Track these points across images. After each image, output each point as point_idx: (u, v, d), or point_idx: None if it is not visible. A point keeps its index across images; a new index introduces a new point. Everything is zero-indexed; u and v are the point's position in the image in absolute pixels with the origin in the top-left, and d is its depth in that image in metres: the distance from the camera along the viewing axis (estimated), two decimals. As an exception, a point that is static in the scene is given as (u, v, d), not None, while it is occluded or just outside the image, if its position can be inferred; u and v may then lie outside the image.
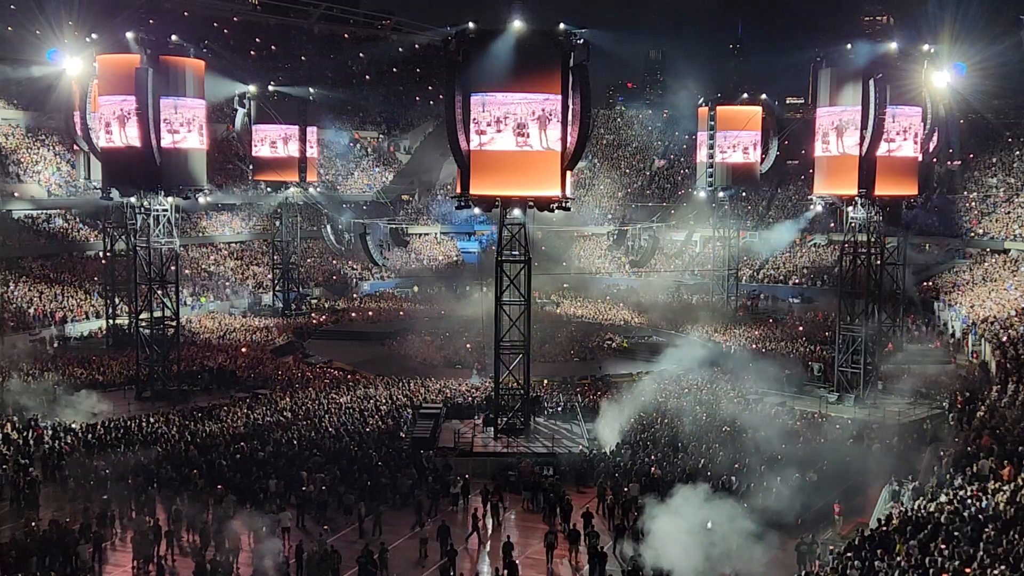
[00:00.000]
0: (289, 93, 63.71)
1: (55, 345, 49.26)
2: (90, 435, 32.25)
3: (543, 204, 34.27)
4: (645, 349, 51.52)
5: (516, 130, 32.75)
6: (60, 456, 29.79)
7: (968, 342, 48.08)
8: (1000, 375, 37.23)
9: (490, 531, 26.40)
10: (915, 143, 39.89)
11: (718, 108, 63.76)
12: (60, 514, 25.16)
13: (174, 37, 39.50)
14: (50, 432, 32.45)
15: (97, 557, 23.30)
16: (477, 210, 36.05)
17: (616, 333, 56.98)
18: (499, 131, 32.84)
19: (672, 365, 47.57)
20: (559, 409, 37.32)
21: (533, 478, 29.15)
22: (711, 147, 63.67)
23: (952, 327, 53.37)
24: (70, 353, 47.22)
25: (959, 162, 73.13)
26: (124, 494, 26.72)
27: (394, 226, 69.60)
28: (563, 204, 34.27)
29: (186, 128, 39.88)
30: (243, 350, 49.51)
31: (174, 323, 41.77)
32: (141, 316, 41.78)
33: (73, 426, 33.48)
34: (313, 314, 63.59)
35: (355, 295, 71.19)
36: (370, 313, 64.67)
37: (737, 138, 64.09)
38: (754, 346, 51.29)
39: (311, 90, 66.65)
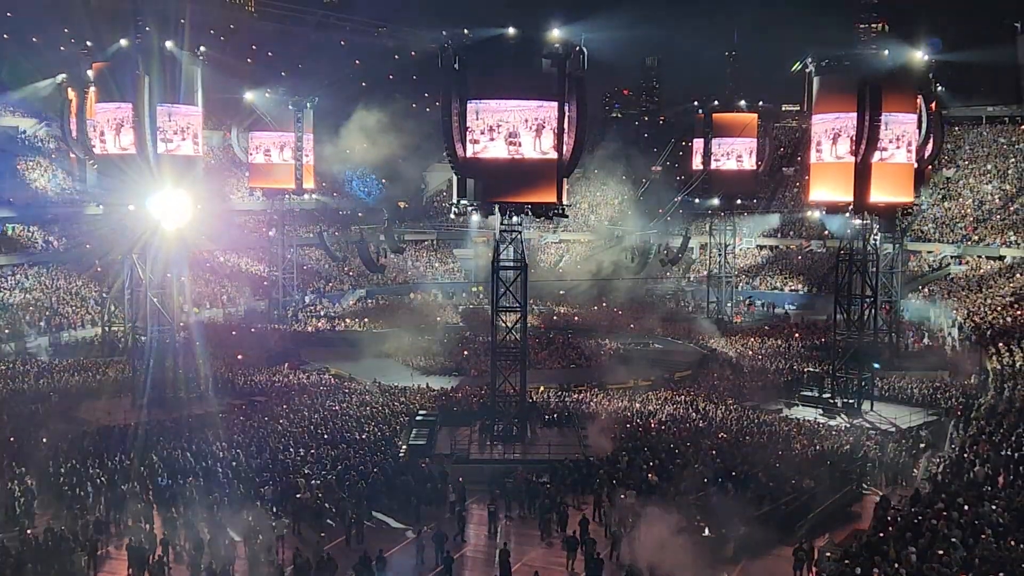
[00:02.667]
0: (285, 100, 63.67)
1: (50, 352, 49.12)
2: (85, 442, 32.13)
3: (540, 211, 34.37)
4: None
5: (508, 139, 32.84)
6: (55, 463, 29.65)
7: (965, 349, 48.15)
8: (996, 382, 37.31)
9: (485, 538, 26.36)
10: (908, 151, 39.99)
11: (714, 115, 64.00)
12: (55, 522, 25.05)
13: (169, 43, 39.44)
14: (45, 440, 32.30)
15: (92, 565, 23.21)
16: (476, 217, 36.12)
17: (614, 339, 57.01)
18: (492, 139, 32.92)
19: (669, 372, 47.76)
20: (555, 416, 37.26)
21: (531, 485, 29.09)
22: (706, 154, 63.94)
23: (948, 334, 53.45)
24: (65, 360, 47.07)
25: (954, 169, 73.44)
26: (119, 501, 26.62)
27: (390, 233, 69.72)
28: (560, 211, 34.36)
29: (180, 136, 39.77)
30: (239, 357, 49.41)
31: (170, 330, 41.61)
32: (137, 323, 41.65)
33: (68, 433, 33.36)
34: (310, 321, 63.52)
35: (352, 301, 71.05)
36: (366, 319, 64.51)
37: (732, 145, 64.33)
38: (751, 352, 51.34)
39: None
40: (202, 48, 41.26)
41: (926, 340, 54.23)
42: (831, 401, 39.82)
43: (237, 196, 74.14)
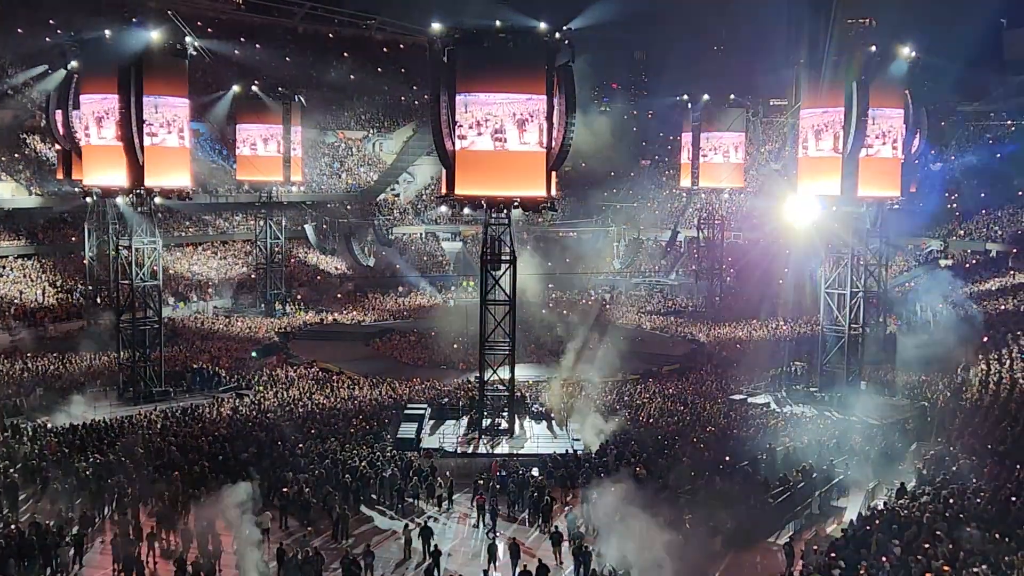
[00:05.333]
0: (273, 93, 63.40)
1: (36, 345, 48.80)
2: (71, 435, 31.96)
3: (529, 204, 34.33)
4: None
5: (494, 134, 32.78)
6: (41, 457, 29.48)
7: (950, 342, 48.32)
8: (981, 374, 37.54)
9: (473, 532, 26.37)
10: (894, 148, 40.13)
11: (703, 110, 64.14)
12: (40, 516, 24.89)
13: (156, 34, 39.14)
14: (30, 433, 32.15)
15: (77, 559, 23.08)
16: (466, 210, 36.07)
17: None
18: (479, 134, 32.87)
19: (657, 367, 47.79)
20: (543, 410, 37.27)
21: (515, 477, 29.09)
22: (695, 148, 64.10)
23: (934, 327, 53.60)
24: (51, 353, 46.77)
25: (938, 164, 73.76)
26: (104, 495, 26.49)
27: (378, 226, 69.63)
28: (549, 204, 34.32)
29: (165, 129, 39.43)
30: (225, 351, 49.21)
31: (156, 323, 41.47)
32: (123, 316, 41.46)
33: (50, 425, 33.20)
34: (297, 314, 63.32)
35: (339, 295, 70.79)
36: (354, 312, 64.27)
37: (720, 139, 64.45)
38: (738, 346, 51.47)
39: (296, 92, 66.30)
40: (188, 39, 40.97)
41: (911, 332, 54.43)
42: (819, 393, 39.97)
43: (224, 188, 73.77)
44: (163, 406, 38.02)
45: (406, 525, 25.20)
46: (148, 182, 39.22)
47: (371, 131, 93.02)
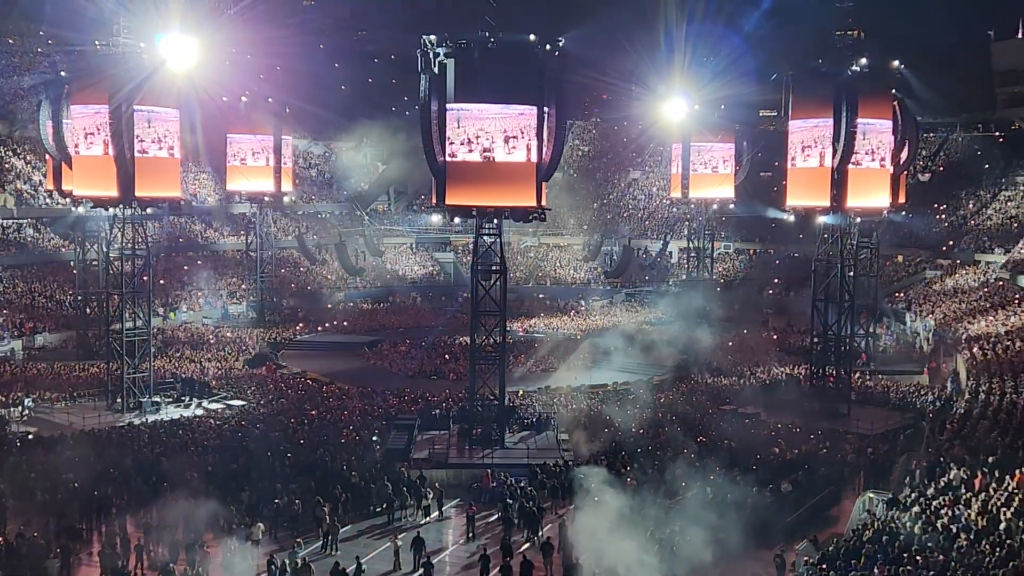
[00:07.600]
0: (264, 104, 63.36)
1: (24, 355, 48.52)
2: (59, 446, 31.73)
3: (519, 214, 34.36)
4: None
5: (483, 153, 32.84)
6: (29, 468, 29.26)
7: (940, 352, 48.57)
8: (970, 385, 37.62)
9: (464, 543, 26.28)
10: (881, 164, 40.32)
11: (693, 121, 64.42)
12: (28, 528, 24.69)
13: (143, 45, 39.04)
14: (18, 444, 31.91)
15: (65, 571, 22.89)
16: (456, 220, 36.08)
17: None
18: (470, 151, 32.93)
19: (648, 376, 47.75)
20: (535, 420, 37.20)
21: (502, 488, 29.02)
22: (685, 159, 64.37)
23: (924, 337, 53.88)
24: (39, 363, 46.50)
25: (928, 175, 74.21)
26: (93, 507, 26.29)
27: (368, 236, 69.57)
28: (539, 214, 34.37)
29: (156, 145, 39.30)
30: (215, 362, 48.98)
31: (145, 333, 41.27)
32: (112, 326, 41.27)
33: (31, 436, 32.97)
34: (287, 324, 63.10)
35: (329, 304, 70.60)
36: (345, 323, 64.17)
37: (711, 151, 64.69)
38: (729, 357, 51.47)
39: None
40: (181, 49, 40.87)
41: (901, 343, 54.67)
42: (808, 404, 39.99)
43: (214, 198, 73.68)
44: (152, 417, 37.84)
45: (395, 535, 25.11)
46: (139, 193, 39.10)
47: (361, 141, 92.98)
